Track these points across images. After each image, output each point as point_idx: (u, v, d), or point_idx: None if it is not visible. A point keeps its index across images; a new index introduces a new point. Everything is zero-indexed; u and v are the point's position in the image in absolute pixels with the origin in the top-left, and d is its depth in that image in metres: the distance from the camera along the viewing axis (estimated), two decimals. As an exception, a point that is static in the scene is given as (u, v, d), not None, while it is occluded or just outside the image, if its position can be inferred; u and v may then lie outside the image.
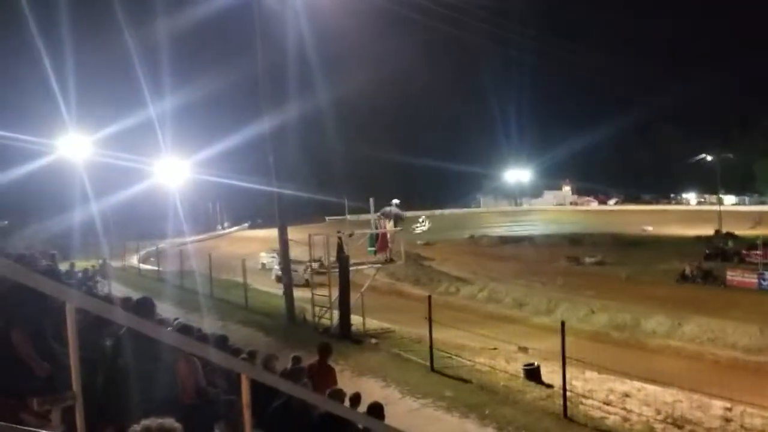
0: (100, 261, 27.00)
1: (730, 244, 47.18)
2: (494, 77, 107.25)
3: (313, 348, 15.91)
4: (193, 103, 46.89)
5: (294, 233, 21.45)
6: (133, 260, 39.39)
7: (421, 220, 20.70)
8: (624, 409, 11.67)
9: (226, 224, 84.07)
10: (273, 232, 20.96)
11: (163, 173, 37.87)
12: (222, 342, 9.68)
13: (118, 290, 20.35)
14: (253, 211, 75.01)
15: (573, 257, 46.72)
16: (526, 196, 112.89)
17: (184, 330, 9.15)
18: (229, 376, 7.00)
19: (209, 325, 15.90)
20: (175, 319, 11.50)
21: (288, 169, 27.89)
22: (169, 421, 3.07)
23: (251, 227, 77.21)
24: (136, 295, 9.53)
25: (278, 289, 21.76)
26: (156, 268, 36.52)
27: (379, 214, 19.42)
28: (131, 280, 29.98)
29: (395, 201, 19.50)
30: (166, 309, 15.36)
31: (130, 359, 5.51)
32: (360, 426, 6.32)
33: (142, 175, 39.38)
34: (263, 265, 39.31)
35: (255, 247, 47.47)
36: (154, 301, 7.09)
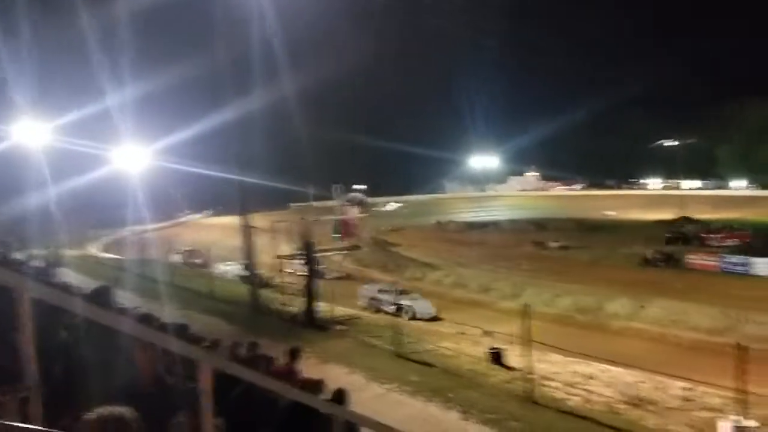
0: (51, 249, 26.30)
1: (691, 228, 48.12)
2: (460, 63, 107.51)
3: (278, 336, 15.87)
4: (156, 89, 45.82)
5: (258, 220, 21.17)
6: (93, 248, 38.61)
7: (390, 204, 20.63)
8: (586, 390, 11.79)
9: (187, 211, 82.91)
10: (236, 220, 20.64)
11: (123, 160, 37.08)
12: (182, 330, 9.46)
13: (78, 279, 19.88)
14: (215, 199, 74.03)
15: (538, 242, 47.23)
16: (492, 182, 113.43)
17: (144, 319, 8.93)
18: (190, 365, 6.82)
19: (170, 313, 15.59)
20: (135, 307, 11.24)
21: (251, 155, 27.49)
22: (125, 409, 2.99)
23: (213, 214, 76.30)
24: (95, 284, 9.27)
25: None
26: (116, 256, 35.87)
27: (343, 200, 19.27)
28: (91, 268, 29.35)
29: (358, 187, 19.37)
30: (126, 298, 15.03)
31: (87, 348, 5.34)
32: (324, 412, 6.21)
33: (101, 162, 38.49)
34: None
35: (218, 234, 46.91)
36: (112, 289, 6.88)
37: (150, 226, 46.67)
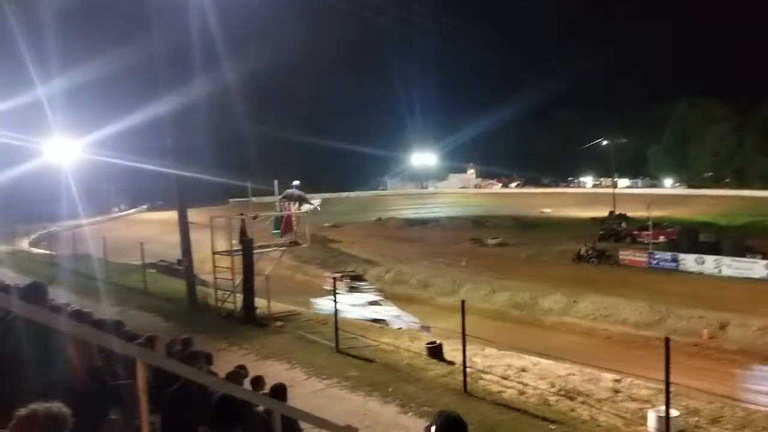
0: None
1: (623, 225, 49.75)
2: (400, 61, 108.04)
3: (216, 333, 15.69)
4: (88, 81, 44.39)
5: (195, 215, 20.85)
6: (24, 244, 37.20)
7: (313, 201, 20.40)
8: (521, 383, 12.08)
9: (122, 206, 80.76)
10: (173, 215, 20.24)
11: (54, 153, 35.83)
12: (117, 327, 9.28)
13: (7, 276, 19.17)
14: (152, 193, 72.30)
15: (476, 239, 48.06)
16: (431, 179, 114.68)
17: (78, 316, 8.71)
18: (125, 361, 6.72)
19: (105, 310, 15.21)
20: (67, 304, 10.95)
21: (189, 150, 26.98)
22: (57, 405, 3.00)
23: (150, 209, 74.52)
24: (26, 281, 8.98)
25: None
26: (48, 252, 34.66)
27: (282, 196, 19.11)
28: (21, 264, 28.31)
29: (296, 183, 19.23)
30: (59, 294, 14.60)
31: (19, 344, 5.23)
32: (261, 408, 6.22)
33: (31, 155, 37.06)
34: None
35: (153, 230, 45.89)
36: (45, 286, 6.72)
37: (83, 221, 45.22)
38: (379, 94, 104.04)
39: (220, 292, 18.21)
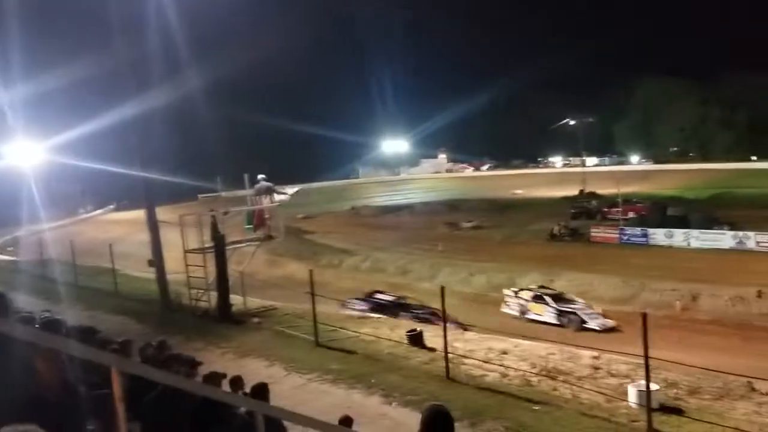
0: None
1: (594, 203, 50.23)
2: (370, 47, 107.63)
3: (192, 333, 15.44)
4: (51, 82, 43.35)
5: (164, 213, 20.48)
6: (-12, 251, 36.32)
7: (285, 192, 20.17)
8: (502, 365, 12.09)
9: (89, 207, 79.28)
10: (141, 214, 19.85)
11: (16, 156, 34.92)
12: (89, 333, 9.02)
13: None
14: (119, 193, 71.00)
15: (451, 223, 48.16)
16: (404, 166, 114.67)
17: (46, 324, 8.43)
18: (100, 369, 6.49)
19: (76, 315, 14.87)
20: (44, 311, 10.68)
21: (156, 147, 26.45)
22: (32, 428, 2.78)
23: (117, 209, 73.28)
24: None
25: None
26: (12, 258, 33.90)
27: (253, 191, 18.84)
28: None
29: (261, 176, 18.95)
30: (26, 301, 14.21)
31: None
32: (242, 409, 6.07)
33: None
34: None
35: (122, 230, 45.12)
36: (6, 297, 6.43)
37: (49, 225, 44.26)
38: (349, 80, 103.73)
39: (194, 291, 17.94)
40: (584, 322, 22.06)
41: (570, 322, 22.33)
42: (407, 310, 21.38)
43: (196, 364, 7.71)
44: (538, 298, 23.79)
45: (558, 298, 23.77)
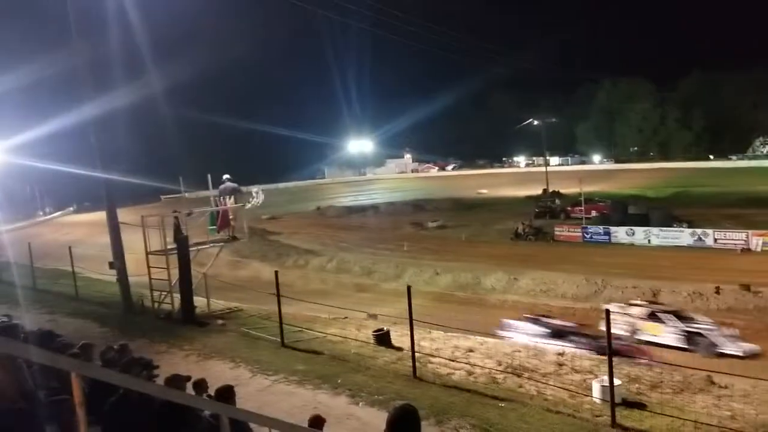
0: None
1: (557, 202, 50.87)
2: (335, 47, 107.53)
3: (155, 335, 15.19)
4: (10, 83, 42.25)
5: (126, 215, 20.09)
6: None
7: (255, 192, 19.95)
8: (469, 363, 12.16)
9: (48, 209, 77.56)
10: (102, 216, 19.44)
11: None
12: (48, 338, 8.82)
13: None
14: (79, 195, 69.60)
15: (417, 223, 48.28)
16: (369, 166, 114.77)
17: (8, 330, 8.21)
18: (59, 374, 6.34)
19: (34, 319, 14.51)
20: (2, 315, 10.40)
21: (118, 146, 26.01)
22: None
23: (77, 211, 71.83)
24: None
25: None
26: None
27: (217, 192, 18.61)
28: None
29: (226, 176, 18.75)
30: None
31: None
32: (207, 412, 5.97)
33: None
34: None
35: (82, 232, 44.27)
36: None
37: (5, 227, 43.13)
38: (314, 81, 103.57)
39: (156, 293, 17.65)
40: (716, 345, 18.60)
41: (698, 346, 18.81)
42: (584, 338, 17.55)
43: (152, 367, 7.59)
44: (652, 317, 20.28)
45: (678, 315, 20.31)
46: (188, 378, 7.21)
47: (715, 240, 32.20)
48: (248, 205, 18.92)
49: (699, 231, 33.38)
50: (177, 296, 16.98)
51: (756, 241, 30.86)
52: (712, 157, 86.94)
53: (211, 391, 7.03)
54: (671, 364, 11.70)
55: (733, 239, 31.78)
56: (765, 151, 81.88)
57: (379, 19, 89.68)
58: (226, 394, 6.72)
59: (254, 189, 19.43)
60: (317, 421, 6.58)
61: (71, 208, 74.73)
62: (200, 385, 7.32)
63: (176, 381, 6.59)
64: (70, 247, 22.51)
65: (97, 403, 5.78)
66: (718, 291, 23.32)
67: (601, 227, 37.52)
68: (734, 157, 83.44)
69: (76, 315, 17.83)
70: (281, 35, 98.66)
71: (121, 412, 5.99)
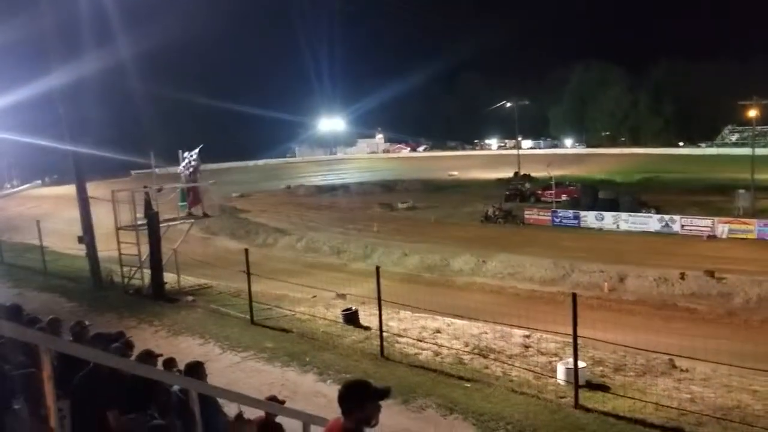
0: None
1: (528, 185, 51.30)
2: (306, 25, 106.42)
3: (124, 311, 15.13)
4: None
5: (96, 189, 19.86)
6: None
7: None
8: (436, 344, 12.35)
9: (15, 182, 75.97)
10: (70, 189, 19.20)
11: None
12: (14, 312, 8.74)
13: None
14: (46, 167, 68.27)
15: (386, 203, 48.34)
16: (340, 145, 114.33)
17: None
18: (26, 348, 6.33)
19: (1, 293, 14.36)
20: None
21: (85, 121, 25.51)
22: None
23: (44, 185, 70.50)
24: None
25: None
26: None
27: (183, 167, 18.48)
28: None
29: (193, 152, 18.59)
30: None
31: None
32: (176, 388, 6.04)
33: None
34: None
35: (50, 206, 43.51)
36: None
37: (-30, 200, 42.34)
38: (285, 59, 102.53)
39: (126, 269, 17.55)
40: None
41: None
42: None
43: (128, 344, 7.60)
44: None
45: None
46: (159, 355, 7.24)
47: (682, 226, 32.83)
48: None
49: (666, 217, 34.00)
50: (147, 272, 16.91)
51: (722, 228, 31.53)
52: (681, 144, 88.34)
53: (181, 367, 7.07)
54: (634, 348, 11.97)
55: (699, 226, 32.41)
56: (734, 140, 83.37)
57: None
58: (196, 369, 6.77)
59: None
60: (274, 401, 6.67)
61: (38, 182, 73.31)
62: (169, 364, 7.35)
63: (147, 357, 6.63)
64: (38, 221, 22.19)
65: (66, 377, 5.80)
66: (683, 277, 23.84)
67: (570, 211, 37.95)
68: (703, 145, 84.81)
69: (44, 289, 17.68)
70: (253, 12, 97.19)
71: (91, 386, 6.01)
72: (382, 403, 3.43)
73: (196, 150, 18.76)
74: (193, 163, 18.49)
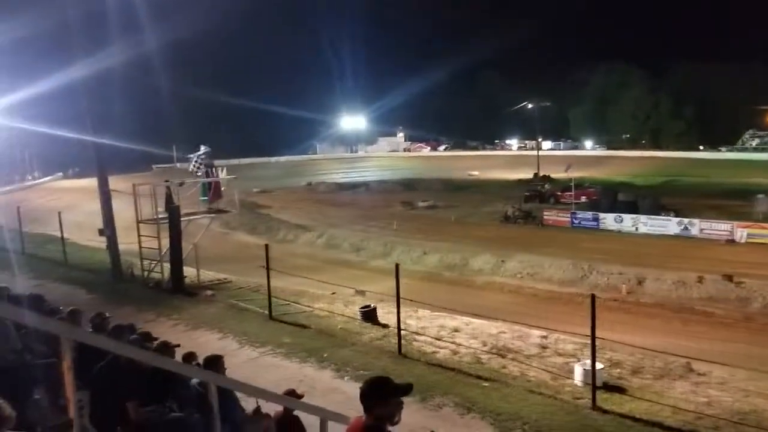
0: None
1: (547, 186, 51.02)
2: (329, 23, 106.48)
3: (143, 304, 15.26)
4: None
5: (117, 183, 20.07)
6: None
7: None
8: (454, 342, 12.31)
9: (36, 174, 76.88)
10: (91, 182, 19.39)
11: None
12: (37, 302, 8.85)
13: None
14: (68, 160, 68.93)
15: (407, 202, 48.30)
16: (361, 143, 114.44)
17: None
18: (47, 338, 6.41)
19: (22, 284, 14.54)
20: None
21: (109, 114, 25.76)
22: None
23: (66, 177, 71.28)
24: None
25: None
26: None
27: (198, 161, 18.56)
28: None
29: (205, 149, 18.69)
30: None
31: None
32: (195, 381, 6.07)
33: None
34: None
35: (72, 198, 44.00)
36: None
37: (-5, 191, 42.93)
38: (308, 57, 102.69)
39: (146, 262, 17.70)
40: None
41: None
42: None
43: (151, 339, 7.65)
44: None
45: None
46: (177, 345, 7.28)
47: (701, 230, 32.44)
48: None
49: (686, 220, 33.62)
50: (167, 265, 17.04)
51: (741, 233, 31.11)
52: (702, 147, 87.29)
53: (200, 361, 7.11)
54: (652, 350, 11.85)
55: (718, 230, 32.00)
56: (754, 144, 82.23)
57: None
58: (216, 363, 6.80)
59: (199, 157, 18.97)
60: (291, 395, 6.67)
61: (60, 174, 74.15)
62: (189, 358, 7.40)
63: (166, 349, 6.67)
64: (59, 213, 22.44)
65: (85, 368, 5.85)
66: (700, 280, 23.57)
67: (589, 213, 37.66)
68: (724, 149, 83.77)
69: (64, 281, 17.88)
70: (276, 10, 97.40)
71: (110, 377, 6.07)
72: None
73: (202, 149, 18.82)
74: (200, 161, 18.57)
